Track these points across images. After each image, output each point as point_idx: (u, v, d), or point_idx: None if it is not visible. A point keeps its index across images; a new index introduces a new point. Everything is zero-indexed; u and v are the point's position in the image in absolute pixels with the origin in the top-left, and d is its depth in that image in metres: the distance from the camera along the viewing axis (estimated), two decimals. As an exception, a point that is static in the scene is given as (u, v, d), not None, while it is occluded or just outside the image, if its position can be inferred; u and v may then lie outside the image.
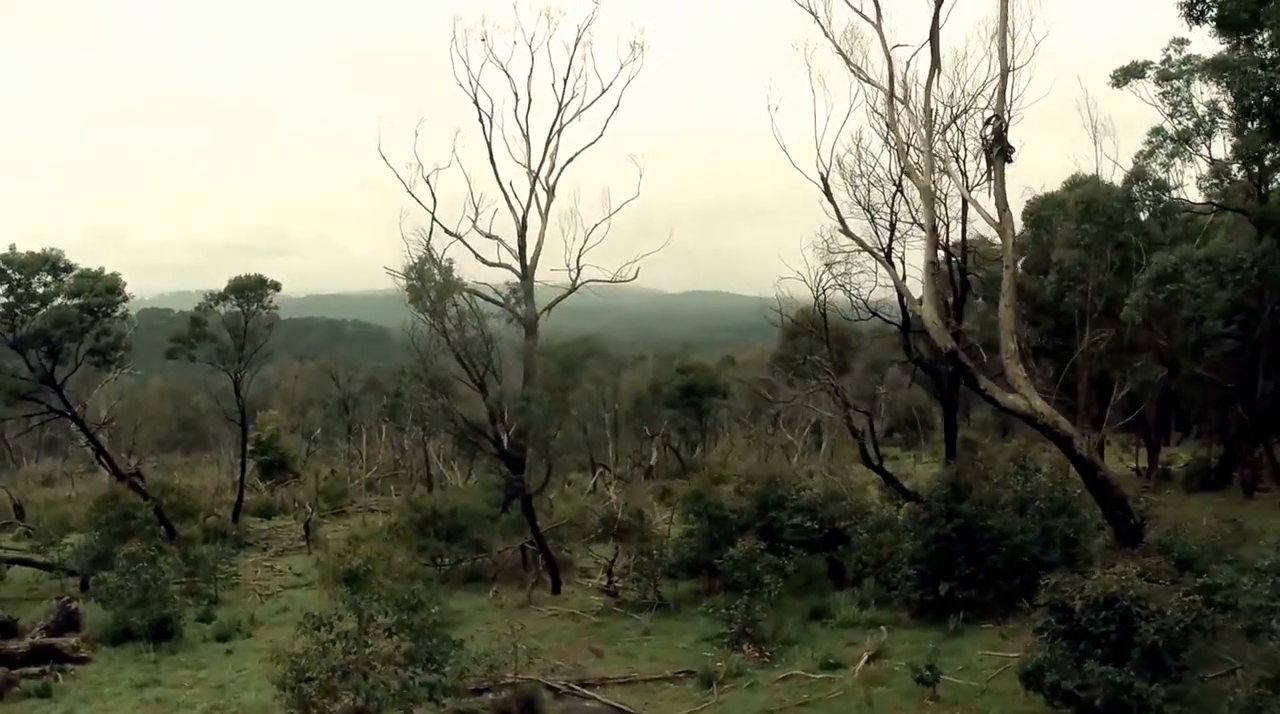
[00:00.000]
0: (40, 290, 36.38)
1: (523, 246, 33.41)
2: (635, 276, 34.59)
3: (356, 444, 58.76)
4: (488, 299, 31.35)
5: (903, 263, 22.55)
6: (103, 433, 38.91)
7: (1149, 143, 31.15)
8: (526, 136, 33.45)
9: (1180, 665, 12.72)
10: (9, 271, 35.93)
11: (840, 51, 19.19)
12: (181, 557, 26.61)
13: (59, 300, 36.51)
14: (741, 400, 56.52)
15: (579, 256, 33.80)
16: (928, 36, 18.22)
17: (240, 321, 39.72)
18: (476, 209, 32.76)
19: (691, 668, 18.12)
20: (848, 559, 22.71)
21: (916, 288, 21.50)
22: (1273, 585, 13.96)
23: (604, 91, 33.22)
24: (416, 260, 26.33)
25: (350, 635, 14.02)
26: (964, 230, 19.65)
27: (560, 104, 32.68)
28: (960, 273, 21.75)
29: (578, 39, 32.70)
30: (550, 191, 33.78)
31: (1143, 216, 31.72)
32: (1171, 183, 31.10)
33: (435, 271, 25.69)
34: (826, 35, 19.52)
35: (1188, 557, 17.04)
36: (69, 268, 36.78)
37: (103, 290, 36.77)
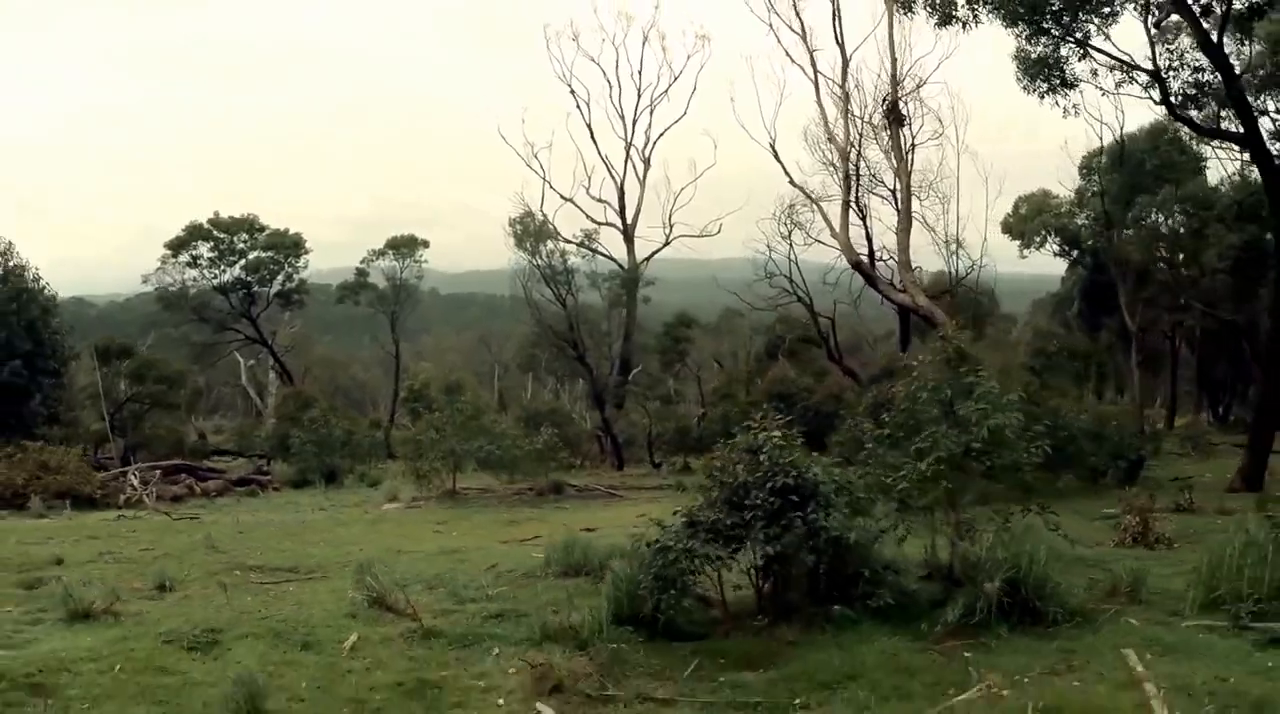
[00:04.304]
0: (240, 246, 51.25)
1: (623, 208, 45.08)
2: (719, 231, 45.55)
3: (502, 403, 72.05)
4: (569, 242, 42.94)
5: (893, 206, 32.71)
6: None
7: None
8: (621, 116, 45.31)
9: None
10: (214, 232, 50.93)
11: (788, 55, 29.98)
12: (344, 442, 39.37)
13: (254, 253, 51.31)
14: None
15: (670, 216, 45.17)
16: (834, 40, 28.86)
17: (396, 273, 53.87)
18: (589, 177, 44.55)
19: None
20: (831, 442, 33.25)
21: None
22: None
23: (676, 78, 44.85)
24: (520, 214, 38.66)
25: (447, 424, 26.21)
26: (908, 179, 29.34)
27: (639, 90, 44.46)
28: (906, 214, 31.38)
29: (645, 38, 44.48)
30: (646, 162, 45.38)
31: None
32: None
33: (532, 223, 37.86)
34: (779, 43, 30.41)
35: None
36: (262, 228, 51.55)
37: (290, 244, 51.31)
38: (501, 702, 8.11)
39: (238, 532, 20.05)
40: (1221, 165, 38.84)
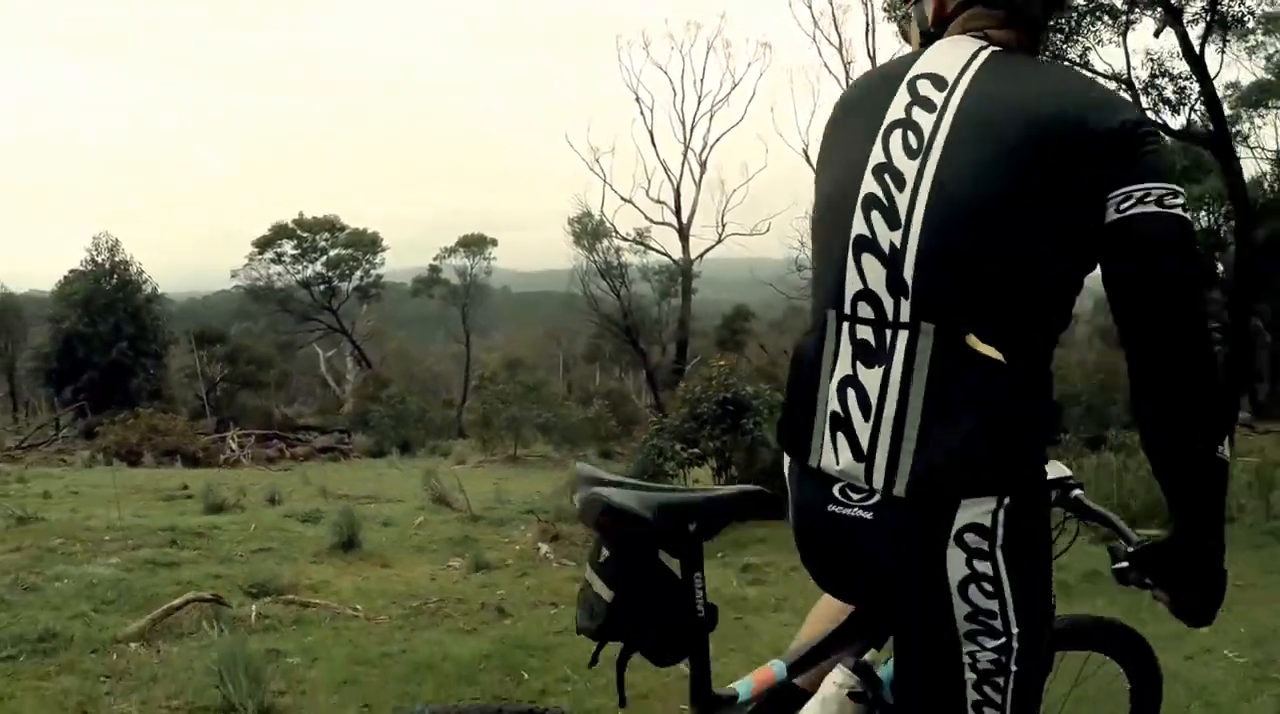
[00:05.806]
0: (322, 244, 55.73)
1: (678, 208, 48.47)
2: (767, 230, 48.88)
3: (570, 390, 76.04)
4: (624, 238, 46.65)
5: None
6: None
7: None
8: (683, 122, 48.69)
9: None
10: (298, 231, 55.46)
11: (827, 67, 33.22)
12: (418, 418, 43.32)
13: (335, 251, 55.78)
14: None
15: (723, 215, 48.48)
16: (866, 53, 31.99)
17: (467, 269, 57.97)
18: (649, 179, 48.29)
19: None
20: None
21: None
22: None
23: (735, 85, 48.12)
24: (579, 214, 42.39)
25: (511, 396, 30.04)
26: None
27: (699, 96, 47.89)
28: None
29: (709, 47, 47.99)
30: (703, 165, 48.73)
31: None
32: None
33: (590, 222, 41.54)
34: (819, 55, 33.68)
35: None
36: (343, 228, 55.98)
37: (368, 242, 55.69)
38: (518, 546, 11.71)
39: (325, 476, 23.95)
40: (1257, 164, 40.91)
